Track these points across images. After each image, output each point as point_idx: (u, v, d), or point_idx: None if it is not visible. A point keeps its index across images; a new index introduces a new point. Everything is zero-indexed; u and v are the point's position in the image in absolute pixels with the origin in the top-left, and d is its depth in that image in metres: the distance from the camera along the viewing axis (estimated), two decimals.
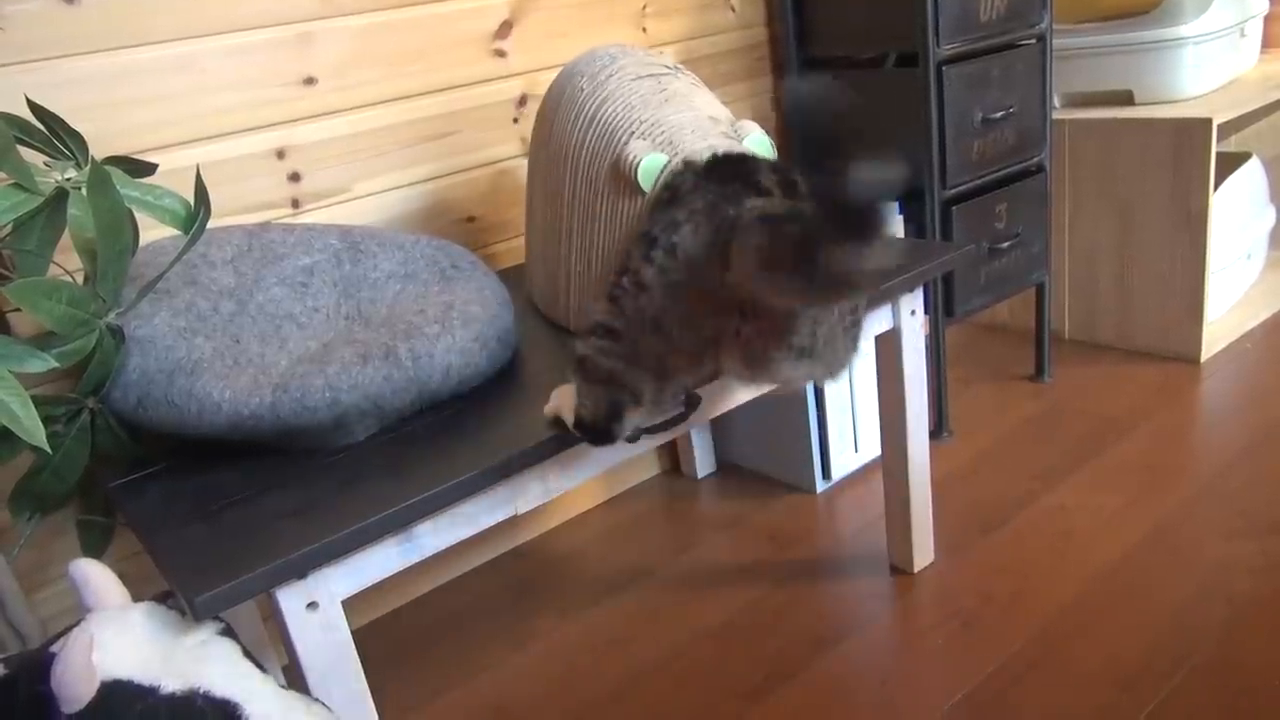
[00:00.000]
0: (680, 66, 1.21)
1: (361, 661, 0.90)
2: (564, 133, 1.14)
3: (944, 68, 1.52)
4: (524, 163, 1.53)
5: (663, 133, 1.08)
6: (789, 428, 1.66)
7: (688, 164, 1.02)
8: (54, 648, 0.76)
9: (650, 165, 1.04)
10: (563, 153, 1.14)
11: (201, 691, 0.75)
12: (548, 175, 1.19)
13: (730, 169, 0.97)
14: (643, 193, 1.05)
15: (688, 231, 0.90)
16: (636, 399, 0.98)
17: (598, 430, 0.99)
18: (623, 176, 1.07)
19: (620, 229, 1.09)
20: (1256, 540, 1.36)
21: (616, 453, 1.05)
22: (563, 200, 1.16)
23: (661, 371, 0.97)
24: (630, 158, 1.05)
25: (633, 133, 1.08)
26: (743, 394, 1.15)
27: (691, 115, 1.11)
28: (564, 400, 1.01)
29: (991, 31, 1.57)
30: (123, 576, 0.84)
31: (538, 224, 1.24)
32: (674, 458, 1.84)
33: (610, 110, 1.11)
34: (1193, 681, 1.14)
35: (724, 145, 1.07)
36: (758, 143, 1.13)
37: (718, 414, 1.15)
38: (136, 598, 0.82)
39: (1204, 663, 1.16)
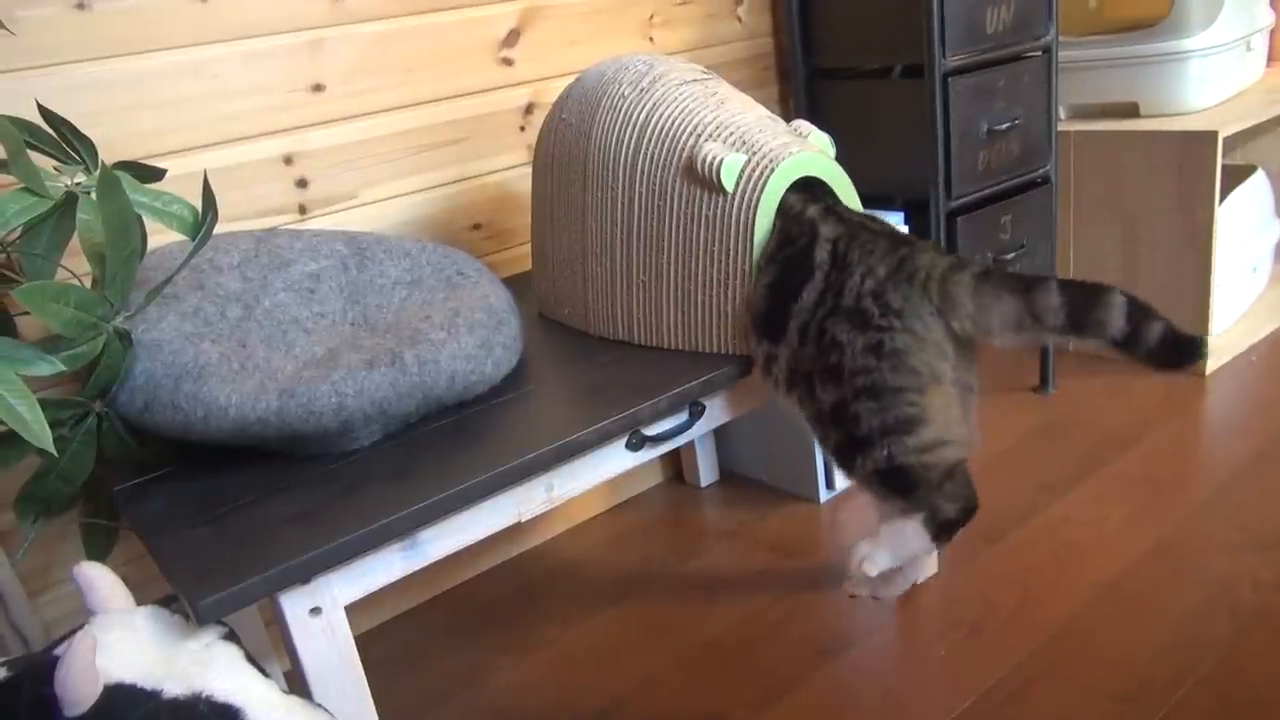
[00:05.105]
0: (710, 72, 1.21)
1: (364, 667, 0.90)
2: (609, 140, 1.14)
3: (950, 79, 1.52)
4: (530, 170, 1.53)
5: (732, 133, 1.08)
6: (792, 437, 1.66)
7: (800, 206, 1.07)
8: (57, 651, 0.76)
9: (732, 165, 1.05)
10: (610, 161, 1.14)
11: (204, 696, 0.75)
12: (583, 185, 1.18)
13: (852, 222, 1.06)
14: (725, 192, 1.06)
15: (911, 308, 0.98)
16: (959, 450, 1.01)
17: (970, 514, 1.01)
18: (699, 178, 1.07)
19: (698, 230, 1.09)
20: (1261, 553, 1.36)
21: (621, 462, 1.05)
22: (614, 209, 1.15)
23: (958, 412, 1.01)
24: (709, 159, 1.05)
25: (699, 135, 1.08)
26: (746, 403, 1.15)
27: (755, 116, 1.12)
28: (886, 539, 1.02)
29: (997, 43, 1.58)
30: (127, 580, 0.84)
31: (560, 233, 1.23)
32: (677, 466, 1.84)
33: (666, 115, 1.11)
34: (1197, 694, 1.13)
35: (796, 144, 1.08)
36: (821, 139, 1.14)
37: (721, 423, 1.15)
38: (140, 601, 0.82)
39: (1208, 675, 1.16)
